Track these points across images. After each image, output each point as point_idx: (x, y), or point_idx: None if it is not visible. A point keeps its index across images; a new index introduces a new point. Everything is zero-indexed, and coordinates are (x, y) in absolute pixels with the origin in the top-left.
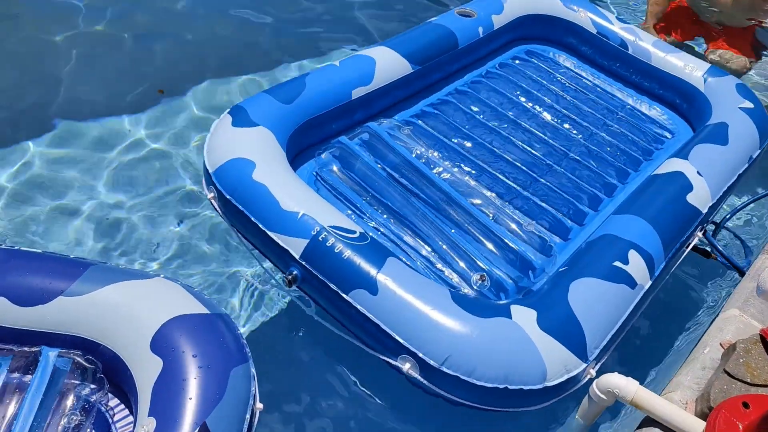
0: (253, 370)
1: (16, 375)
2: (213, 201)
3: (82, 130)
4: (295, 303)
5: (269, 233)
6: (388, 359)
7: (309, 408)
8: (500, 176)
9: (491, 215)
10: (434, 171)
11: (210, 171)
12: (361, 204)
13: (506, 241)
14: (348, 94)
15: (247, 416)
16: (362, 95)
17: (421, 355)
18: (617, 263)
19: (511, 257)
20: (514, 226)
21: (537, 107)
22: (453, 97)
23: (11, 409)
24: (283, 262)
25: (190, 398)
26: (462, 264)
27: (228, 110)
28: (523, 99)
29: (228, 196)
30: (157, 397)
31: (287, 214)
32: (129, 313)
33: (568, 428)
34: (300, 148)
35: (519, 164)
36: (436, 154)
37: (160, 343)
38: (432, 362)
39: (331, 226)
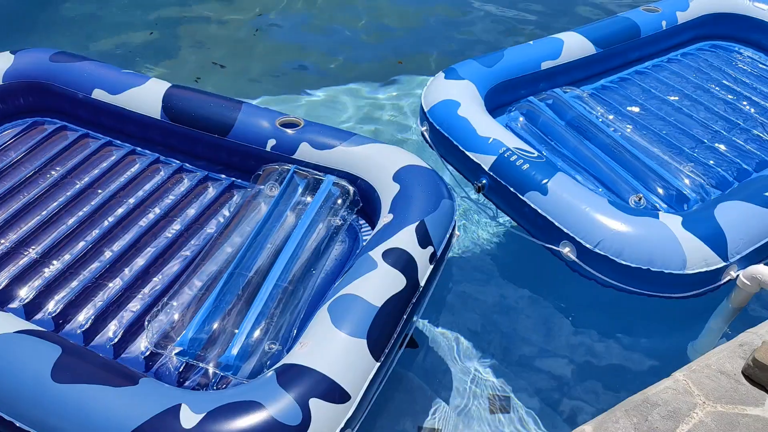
0: (456, 208)
1: (305, 193)
2: (425, 133)
3: None
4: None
5: (466, 152)
6: (551, 246)
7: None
8: (670, 138)
9: (659, 157)
10: (609, 130)
11: (425, 110)
12: (540, 149)
13: (664, 177)
14: (538, 66)
15: (448, 234)
16: (549, 67)
17: (578, 239)
18: None
19: (671, 193)
20: (679, 166)
21: (715, 87)
22: (633, 76)
23: (292, 218)
24: (475, 174)
25: (415, 206)
26: (623, 185)
27: (443, 70)
28: (701, 80)
29: (437, 127)
30: (395, 205)
31: (481, 138)
32: (378, 161)
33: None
34: (494, 105)
35: (689, 129)
36: (611, 117)
37: (399, 176)
38: (587, 245)
39: (515, 147)
